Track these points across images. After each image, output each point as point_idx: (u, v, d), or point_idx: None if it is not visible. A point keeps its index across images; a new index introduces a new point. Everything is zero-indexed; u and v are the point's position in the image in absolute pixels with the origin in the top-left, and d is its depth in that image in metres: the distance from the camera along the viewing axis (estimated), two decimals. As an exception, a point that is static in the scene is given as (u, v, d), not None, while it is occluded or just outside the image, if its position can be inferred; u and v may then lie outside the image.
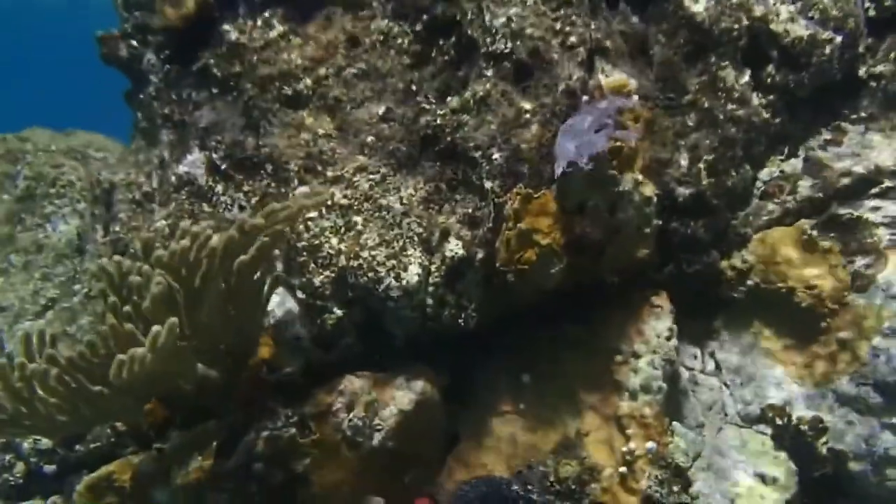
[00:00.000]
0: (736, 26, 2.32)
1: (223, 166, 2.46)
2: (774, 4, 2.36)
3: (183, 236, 1.89)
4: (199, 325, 2.03)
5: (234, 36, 2.55)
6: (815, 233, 2.27)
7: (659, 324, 2.23)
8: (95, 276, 1.84)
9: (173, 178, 2.62)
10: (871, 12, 2.52)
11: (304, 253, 2.22)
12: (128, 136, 3.40)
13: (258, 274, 2.08)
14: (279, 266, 2.33)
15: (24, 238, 3.07)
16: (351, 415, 2.13)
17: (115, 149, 3.84)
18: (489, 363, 2.47)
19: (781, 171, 2.42)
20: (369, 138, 2.35)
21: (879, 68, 2.48)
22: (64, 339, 2.64)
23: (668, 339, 2.21)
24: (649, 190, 2.18)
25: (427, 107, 2.36)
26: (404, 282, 2.14)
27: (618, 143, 2.14)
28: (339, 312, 2.19)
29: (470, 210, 2.27)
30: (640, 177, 2.16)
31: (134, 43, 2.91)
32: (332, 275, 2.18)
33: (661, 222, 2.24)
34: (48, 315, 2.77)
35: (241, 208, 2.42)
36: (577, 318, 2.41)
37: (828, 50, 2.38)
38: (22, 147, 3.61)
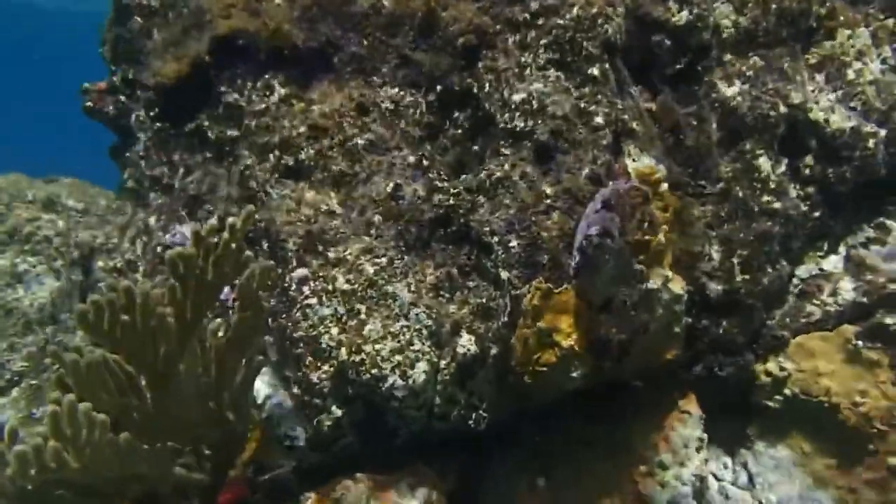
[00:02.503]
0: (773, 113, 2.24)
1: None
2: (814, 92, 2.30)
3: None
4: (175, 418, 1.88)
5: (231, 97, 2.45)
6: (860, 342, 2.16)
7: (687, 432, 2.11)
8: (64, 365, 1.68)
9: (159, 249, 2.49)
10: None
11: (302, 344, 2.08)
12: (113, 179, 3.28)
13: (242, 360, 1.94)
14: (273, 356, 2.19)
15: (-9, 300, 2.91)
16: (348, 529, 1.97)
17: (99, 199, 3.71)
18: (501, 460, 2.34)
19: (821, 269, 2.32)
20: (376, 217, 2.24)
21: (929, 165, 2.40)
22: (28, 425, 2.46)
23: (698, 450, 2.09)
24: (679, 287, 2.07)
25: (439, 185, 2.26)
26: (411, 380, 2.01)
27: (645, 237, 2.04)
28: (337, 412, 2.04)
29: (483, 300, 2.15)
30: (669, 273, 2.05)
31: (122, 98, 2.81)
32: (332, 370, 2.04)
33: (690, 320, 2.13)
34: (13, 393, 2.59)
35: (234, 287, 2.28)
36: (595, 415, 2.28)
37: (871, 144, 2.30)
38: (-5, 196, 3.48)
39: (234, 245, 1.74)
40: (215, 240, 1.75)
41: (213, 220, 1.75)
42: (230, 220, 1.76)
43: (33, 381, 2.62)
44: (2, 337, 2.75)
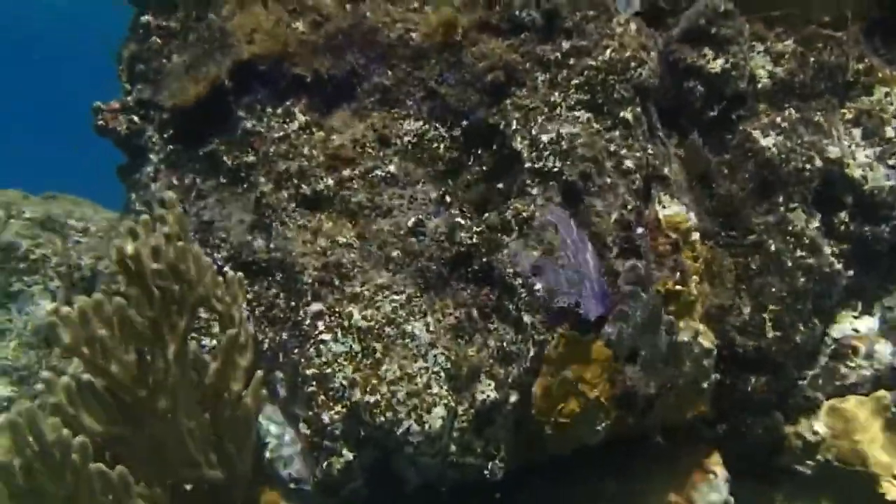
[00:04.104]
0: (808, 166, 2.23)
1: (226, 268, 2.28)
2: (850, 147, 2.29)
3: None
4: (172, 453, 1.81)
5: (249, 123, 2.43)
6: (898, 410, 2.12)
7: (713, 494, 2.05)
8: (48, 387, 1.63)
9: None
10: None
11: (314, 382, 2.02)
12: (113, 199, 3.24)
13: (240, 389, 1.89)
14: (282, 392, 2.14)
15: (-17, 321, 2.84)
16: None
17: (100, 218, 3.66)
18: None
19: (855, 330, 2.29)
20: (395, 252, 2.20)
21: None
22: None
23: (723, 514, 2.03)
24: (709, 341, 2.04)
25: (462, 222, 2.23)
26: (427, 426, 1.95)
27: (676, 287, 2.01)
28: (349, 455, 1.98)
29: (504, 344, 2.10)
30: (700, 326, 2.02)
31: (135, 118, 2.78)
32: (345, 410, 1.99)
33: (718, 376, 2.09)
34: (0, 419, 2.49)
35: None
36: (613, 468, 2.22)
37: (911, 203, 2.30)
38: (-10, 212, 3.42)
39: (176, 238, 1.69)
40: (159, 238, 1.70)
41: (145, 216, 1.71)
42: (158, 211, 1.74)
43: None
44: (-8, 360, 2.67)
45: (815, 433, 2.19)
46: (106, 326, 1.65)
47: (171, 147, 2.63)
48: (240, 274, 1.97)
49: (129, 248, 1.62)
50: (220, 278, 1.89)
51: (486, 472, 2.04)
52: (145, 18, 2.80)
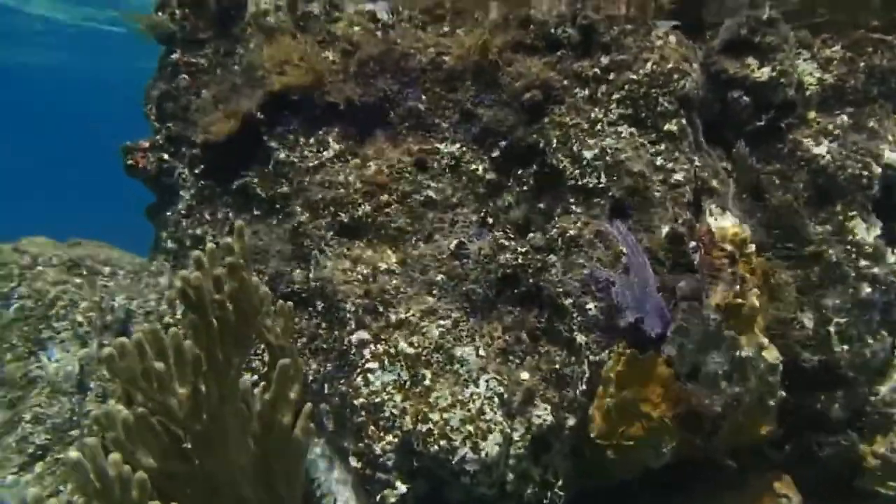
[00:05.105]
0: (865, 173, 2.19)
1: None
2: (907, 151, 2.26)
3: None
4: (223, 489, 1.76)
5: (283, 154, 2.43)
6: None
7: (786, 519, 1.96)
8: (100, 424, 1.58)
9: (201, 310, 2.41)
10: None
11: (363, 412, 1.97)
12: (134, 244, 3.24)
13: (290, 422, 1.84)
14: (329, 425, 2.08)
15: (12, 369, 2.80)
16: None
17: (125, 262, 3.66)
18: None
19: (928, 342, 2.22)
20: (438, 276, 2.17)
21: None
22: None
23: (802, 540, 1.94)
24: (774, 355, 1.97)
25: (506, 243, 2.20)
26: (483, 453, 1.89)
27: (736, 301, 1.96)
28: (402, 488, 1.92)
29: (557, 366, 2.05)
30: (764, 340, 1.96)
31: (165, 156, 2.79)
32: (396, 441, 1.93)
33: (783, 393, 2.02)
34: (37, 468, 2.44)
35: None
36: (678, 492, 2.14)
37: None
38: (17, 260, 3.42)
39: (239, 268, 1.66)
40: (222, 268, 1.66)
41: (210, 244, 1.68)
42: (224, 240, 1.71)
43: (59, 456, 2.47)
44: (25, 408, 2.63)
45: (895, 450, 2.10)
46: (161, 359, 1.61)
47: (203, 182, 2.64)
48: (289, 303, 1.93)
49: (193, 276, 1.59)
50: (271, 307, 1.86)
51: (545, 501, 1.97)
52: (174, 57, 2.83)
